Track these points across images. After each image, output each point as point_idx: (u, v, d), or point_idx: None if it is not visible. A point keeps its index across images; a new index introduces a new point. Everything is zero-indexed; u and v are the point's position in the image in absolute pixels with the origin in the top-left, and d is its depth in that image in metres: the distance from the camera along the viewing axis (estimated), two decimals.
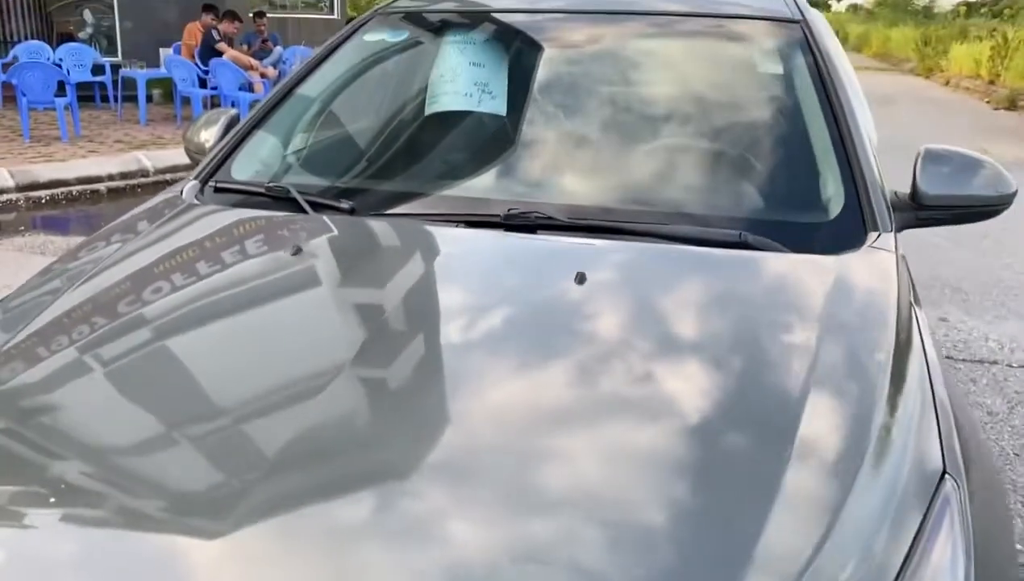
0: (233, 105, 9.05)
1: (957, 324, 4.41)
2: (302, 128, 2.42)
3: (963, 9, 39.36)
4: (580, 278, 1.58)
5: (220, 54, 10.03)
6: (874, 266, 1.68)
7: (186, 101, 10.16)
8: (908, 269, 1.82)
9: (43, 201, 6.73)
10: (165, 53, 10.90)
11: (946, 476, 1.21)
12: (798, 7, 2.41)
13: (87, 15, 12.65)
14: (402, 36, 2.61)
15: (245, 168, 2.20)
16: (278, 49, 11.29)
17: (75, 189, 6.96)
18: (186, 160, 2.51)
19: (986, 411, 3.47)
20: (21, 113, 8.48)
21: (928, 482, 1.19)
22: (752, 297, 1.61)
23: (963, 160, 2.04)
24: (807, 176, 2.02)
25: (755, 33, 2.39)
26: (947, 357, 3.99)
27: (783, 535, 1.06)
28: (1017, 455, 3.13)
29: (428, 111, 2.30)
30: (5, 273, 4.64)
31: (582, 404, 1.32)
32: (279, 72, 10.41)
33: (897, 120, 11.78)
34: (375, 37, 2.59)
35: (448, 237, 1.81)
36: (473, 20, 2.55)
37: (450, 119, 2.30)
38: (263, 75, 10.22)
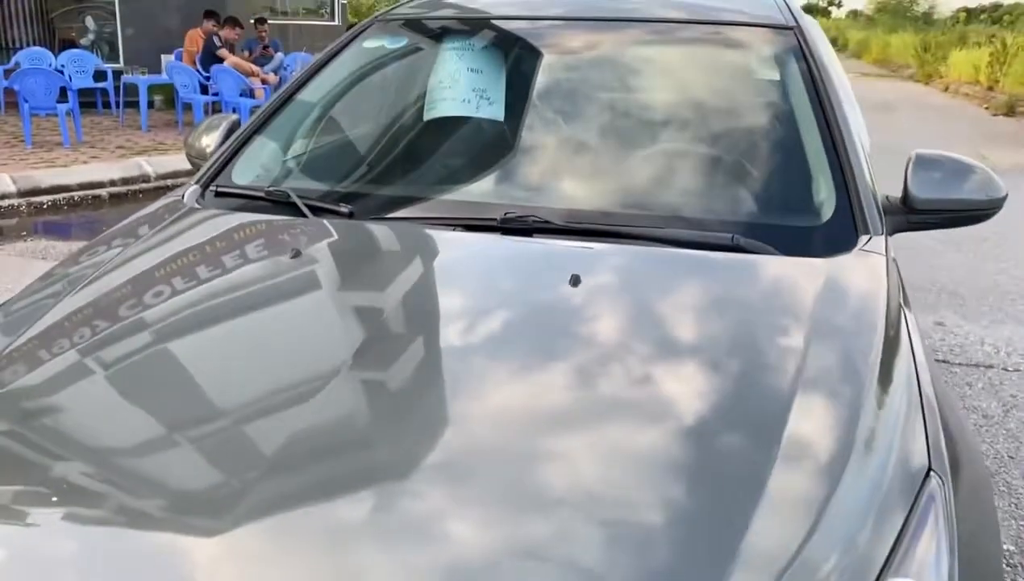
0: (234, 111, 9.08)
1: (953, 328, 4.43)
2: (302, 133, 2.44)
3: (963, 15, 39.46)
4: (575, 280, 1.61)
5: (221, 60, 10.06)
6: (864, 268, 1.71)
7: (187, 107, 10.19)
8: (899, 272, 1.84)
9: (45, 206, 6.76)
10: (167, 59, 10.94)
11: (931, 474, 1.23)
12: (792, 14, 2.44)
13: (89, 21, 12.69)
14: (401, 43, 2.64)
15: (246, 173, 2.23)
16: (279, 55, 11.32)
17: (77, 194, 6.99)
18: (187, 165, 2.53)
19: (981, 415, 3.49)
20: (23, 119, 8.51)
21: (913, 479, 1.21)
22: (743, 299, 1.64)
23: (954, 165, 2.06)
24: (800, 180, 2.04)
25: (749, 39, 2.41)
26: (943, 361, 4.01)
27: (769, 532, 1.08)
28: (1011, 458, 3.15)
29: (427, 117, 2.33)
30: (7, 278, 4.66)
31: (575, 404, 1.34)
32: (280, 78, 10.43)
33: (897, 126, 11.81)
34: (375, 44, 2.62)
35: (446, 241, 1.84)
36: (471, 27, 2.58)
37: (448, 125, 2.33)
38: (264, 81, 10.25)
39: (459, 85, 2.32)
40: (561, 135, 2.28)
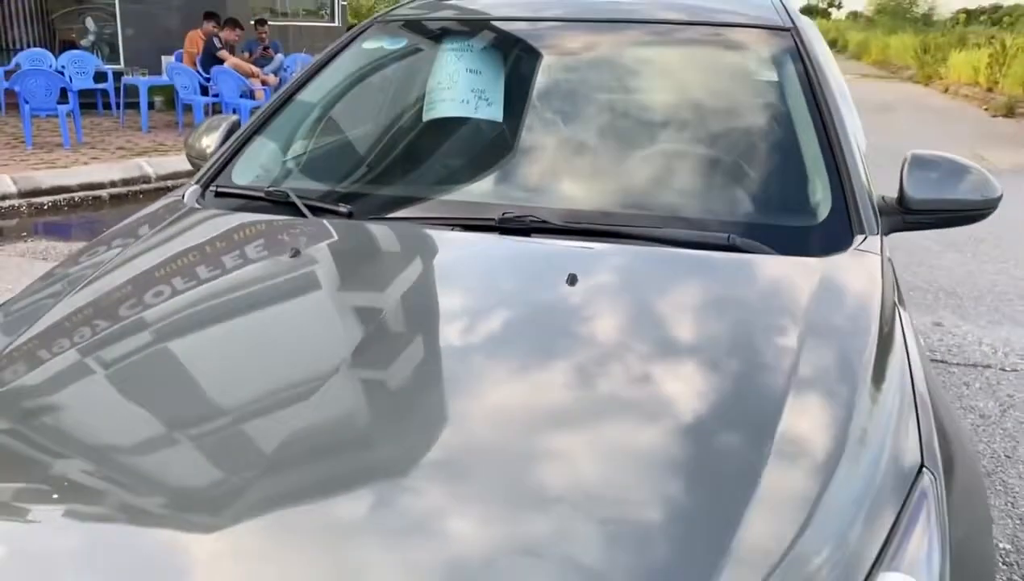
0: (234, 112, 9.09)
1: (952, 329, 4.44)
2: (302, 134, 2.46)
3: (963, 17, 39.47)
4: (572, 279, 1.62)
5: (221, 61, 10.07)
6: (859, 267, 1.72)
7: (188, 108, 10.20)
8: (894, 271, 1.86)
9: (46, 207, 6.78)
10: (167, 60, 10.95)
11: (924, 470, 1.25)
12: (789, 15, 2.45)
13: (89, 23, 12.71)
14: (401, 44, 2.65)
15: (246, 173, 2.24)
16: (279, 56, 11.33)
17: (77, 195, 7.00)
18: (187, 166, 2.54)
19: (979, 414, 3.50)
20: (24, 120, 8.52)
21: (906, 476, 1.23)
22: (738, 298, 1.65)
23: (949, 165, 2.07)
24: (796, 180, 2.06)
25: (746, 40, 2.42)
26: (941, 361, 4.02)
27: (761, 528, 1.09)
28: (1008, 457, 3.16)
29: (426, 117, 2.34)
30: (8, 278, 4.68)
31: (571, 402, 1.35)
32: (280, 79, 10.44)
33: (896, 128, 11.83)
34: (374, 45, 2.63)
35: (444, 240, 1.85)
36: (470, 28, 2.59)
37: (447, 125, 2.34)
38: (264, 82, 10.26)
39: (458, 86, 2.33)
40: (559, 136, 2.29)
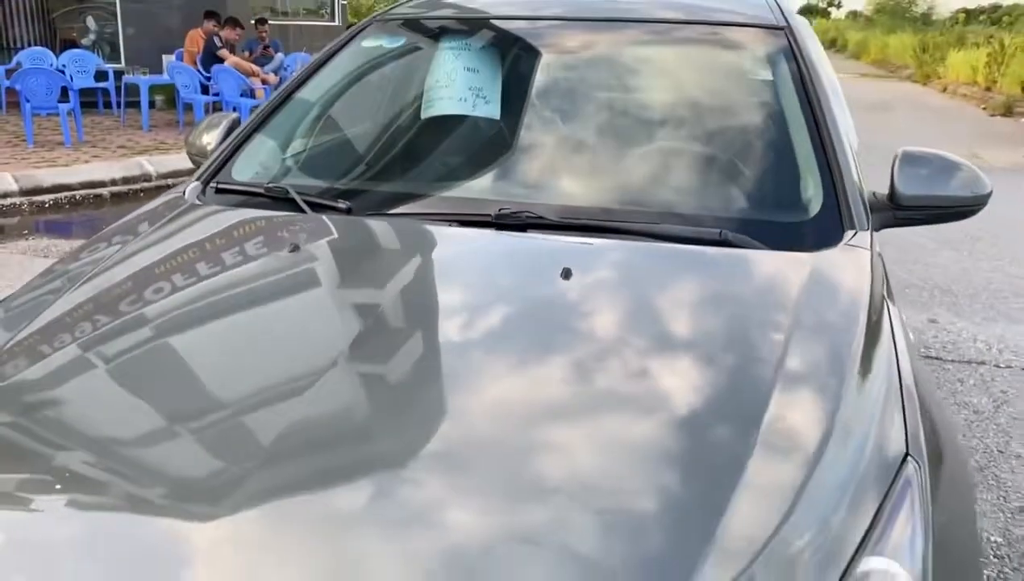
0: (235, 111, 9.11)
1: (947, 326, 4.47)
2: (301, 131, 2.48)
3: (962, 16, 39.46)
4: (566, 274, 1.65)
5: (222, 60, 10.10)
6: (849, 262, 1.75)
7: (188, 107, 10.23)
8: (884, 266, 1.88)
9: (47, 205, 6.80)
10: (168, 59, 10.97)
11: (908, 458, 1.27)
12: (783, 14, 2.48)
13: (90, 22, 12.73)
14: (399, 42, 2.68)
15: (246, 170, 2.26)
16: (279, 55, 11.36)
17: (78, 193, 7.03)
18: (188, 165, 2.56)
19: (972, 410, 3.53)
20: (25, 118, 8.54)
21: (890, 464, 1.25)
22: (729, 292, 1.67)
23: (940, 162, 2.09)
24: (788, 177, 2.08)
25: (740, 39, 2.45)
26: (936, 358, 4.05)
27: (747, 515, 1.12)
28: (1001, 452, 3.19)
29: (424, 115, 2.37)
30: (9, 275, 4.71)
31: (564, 394, 1.38)
32: (280, 78, 10.47)
33: (894, 127, 11.86)
34: (373, 43, 2.66)
35: (441, 235, 1.87)
36: (468, 27, 2.62)
37: (445, 123, 2.37)
38: (264, 81, 10.28)
39: (456, 84, 2.35)
40: (555, 133, 2.32)
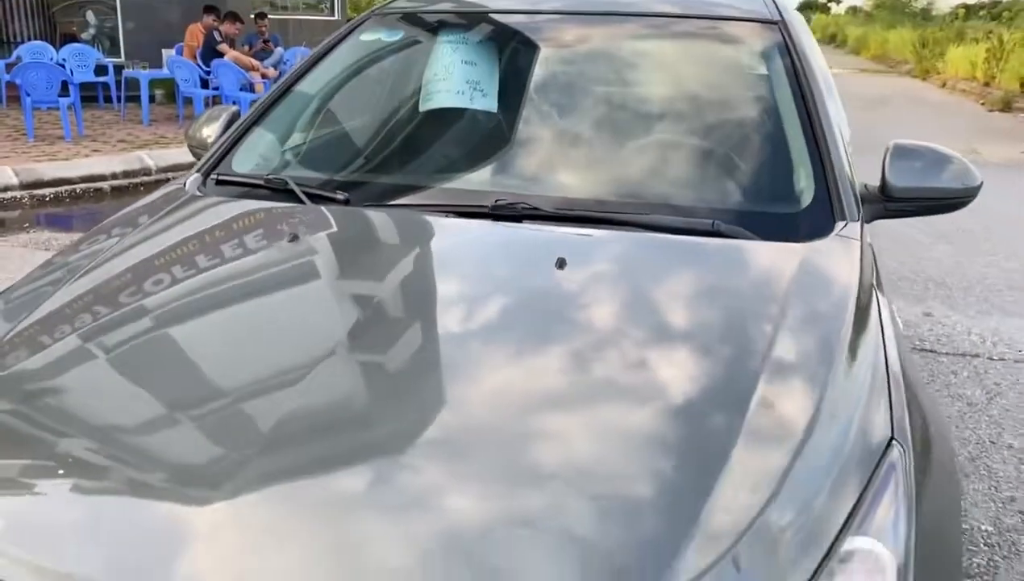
0: (234, 105, 9.12)
1: (941, 319, 4.50)
2: (301, 124, 2.51)
3: (961, 11, 39.43)
4: (560, 263, 1.68)
5: (222, 55, 10.11)
6: (839, 252, 1.78)
7: (188, 101, 10.24)
8: (874, 256, 1.91)
9: (47, 199, 6.82)
10: (167, 54, 10.98)
11: (893, 443, 1.30)
12: (777, 8, 2.51)
13: (90, 16, 12.74)
14: (397, 36, 2.70)
15: (245, 162, 2.29)
16: (279, 50, 11.37)
17: (79, 187, 7.05)
18: (188, 159, 2.59)
19: (966, 402, 3.56)
20: (25, 112, 8.56)
21: (875, 448, 1.28)
22: (721, 281, 1.70)
23: (931, 154, 2.11)
24: (780, 169, 2.11)
25: (735, 33, 2.48)
26: (930, 350, 4.08)
27: (732, 498, 1.15)
28: (993, 443, 3.22)
29: (422, 108, 2.39)
30: (11, 268, 4.73)
31: (559, 381, 1.40)
32: (280, 73, 10.49)
33: (892, 121, 11.89)
34: (371, 37, 2.68)
35: (438, 226, 1.90)
36: (466, 21, 2.64)
37: (443, 116, 2.39)
38: (264, 76, 10.30)
39: (454, 77, 2.38)
40: (551, 126, 2.35)
